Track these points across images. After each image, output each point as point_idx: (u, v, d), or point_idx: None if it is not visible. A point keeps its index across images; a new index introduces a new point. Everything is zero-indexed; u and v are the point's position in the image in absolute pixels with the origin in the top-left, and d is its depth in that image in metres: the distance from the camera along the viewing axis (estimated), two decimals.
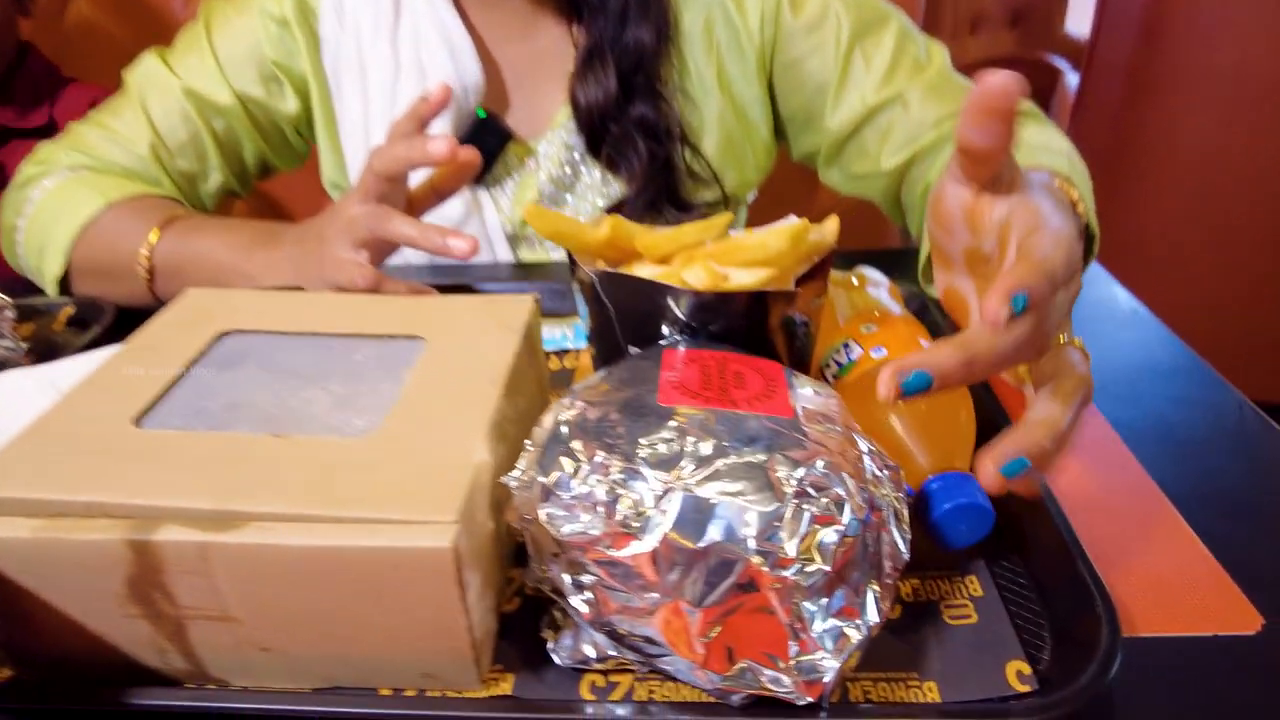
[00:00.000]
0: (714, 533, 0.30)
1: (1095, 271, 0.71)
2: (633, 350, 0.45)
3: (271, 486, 0.35)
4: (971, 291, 0.39)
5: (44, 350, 0.64)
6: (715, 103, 0.76)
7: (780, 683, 0.32)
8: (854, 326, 0.48)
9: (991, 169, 0.36)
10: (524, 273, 0.76)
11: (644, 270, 0.44)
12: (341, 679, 0.37)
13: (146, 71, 0.76)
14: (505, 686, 0.36)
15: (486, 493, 0.36)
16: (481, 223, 0.77)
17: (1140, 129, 1.50)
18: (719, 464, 0.32)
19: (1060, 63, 1.86)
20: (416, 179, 0.60)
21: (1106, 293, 0.68)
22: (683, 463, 0.32)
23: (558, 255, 0.79)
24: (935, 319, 0.58)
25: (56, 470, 0.36)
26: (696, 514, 0.31)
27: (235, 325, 0.47)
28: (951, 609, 0.39)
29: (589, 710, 0.34)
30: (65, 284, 0.71)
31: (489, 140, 0.75)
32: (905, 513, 0.36)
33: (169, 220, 0.69)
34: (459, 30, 0.74)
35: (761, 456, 0.32)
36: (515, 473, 0.36)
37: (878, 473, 0.35)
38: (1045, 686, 0.35)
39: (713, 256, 0.42)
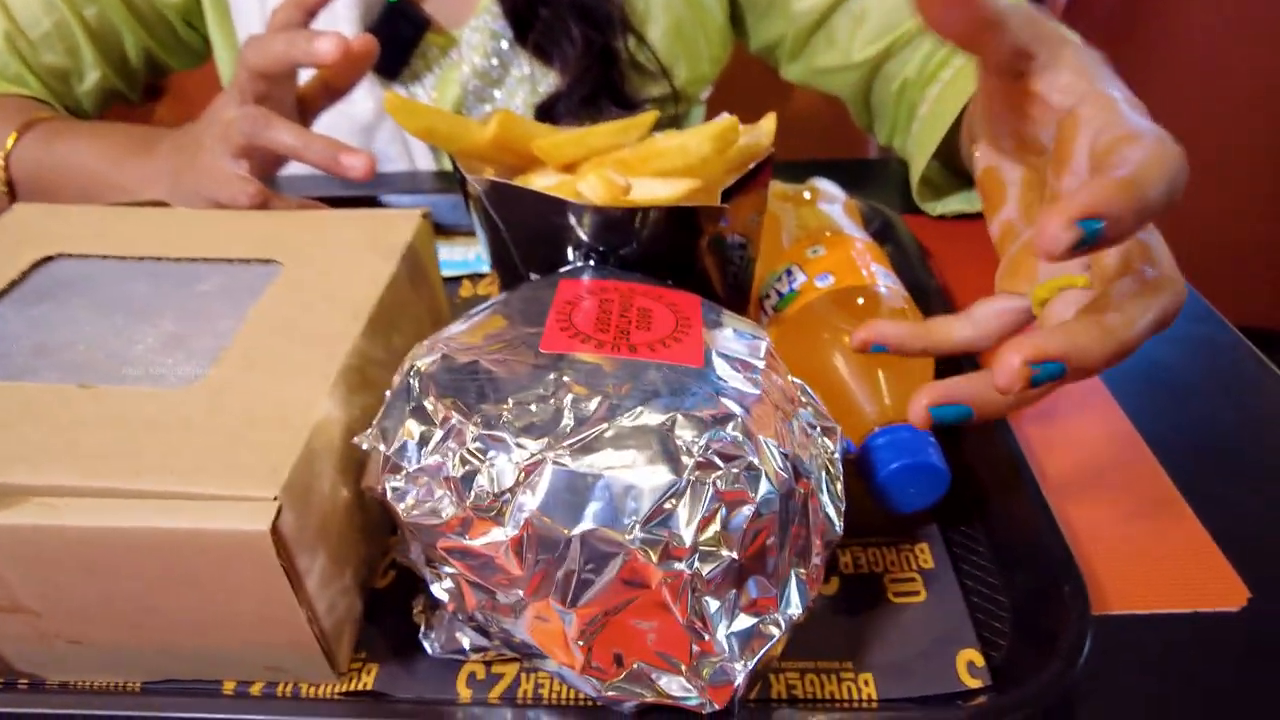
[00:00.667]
0: (591, 516, 0.24)
1: None
2: (534, 278, 0.38)
3: (62, 452, 0.28)
4: (1017, 180, 0.34)
5: None
6: None
7: (681, 687, 0.26)
8: (799, 249, 0.42)
9: (992, 50, 0.30)
10: (447, 184, 0.68)
11: (542, 180, 0.37)
12: (175, 672, 0.31)
13: None
14: (368, 680, 0.31)
15: (335, 455, 0.30)
16: (397, 124, 0.68)
17: (1136, 40, 1.40)
18: (605, 428, 0.25)
19: None
20: (307, 73, 0.52)
21: None
22: (560, 427, 0.25)
23: None
24: (901, 239, 0.51)
25: None
26: (570, 493, 0.24)
27: (63, 248, 0.39)
28: (896, 584, 0.33)
29: (461, 714, 0.29)
30: None
31: (403, 28, 0.65)
32: (840, 477, 0.30)
33: (30, 123, 0.59)
34: None
35: (659, 418, 0.26)
36: (370, 431, 0.29)
37: (809, 430, 0.29)
38: (1000, 680, 0.29)
39: (618, 164, 0.34)
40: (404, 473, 0.26)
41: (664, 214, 0.34)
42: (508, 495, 0.25)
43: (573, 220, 0.34)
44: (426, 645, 0.31)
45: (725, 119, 0.34)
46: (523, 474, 0.25)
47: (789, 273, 0.41)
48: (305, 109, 0.53)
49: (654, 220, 0.34)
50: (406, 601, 0.32)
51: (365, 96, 0.66)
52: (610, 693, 0.26)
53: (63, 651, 0.30)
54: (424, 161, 0.70)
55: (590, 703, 0.29)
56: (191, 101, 1.04)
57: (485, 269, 0.54)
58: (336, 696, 0.30)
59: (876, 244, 0.44)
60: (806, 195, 0.47)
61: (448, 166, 0.70)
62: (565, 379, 0.27)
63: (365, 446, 0.29)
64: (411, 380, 0.28)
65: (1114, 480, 0.39)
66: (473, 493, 0.25)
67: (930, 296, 0.45)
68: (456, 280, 0.53)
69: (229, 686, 0.31)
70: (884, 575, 0.34)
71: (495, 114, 0.36)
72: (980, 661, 0.30)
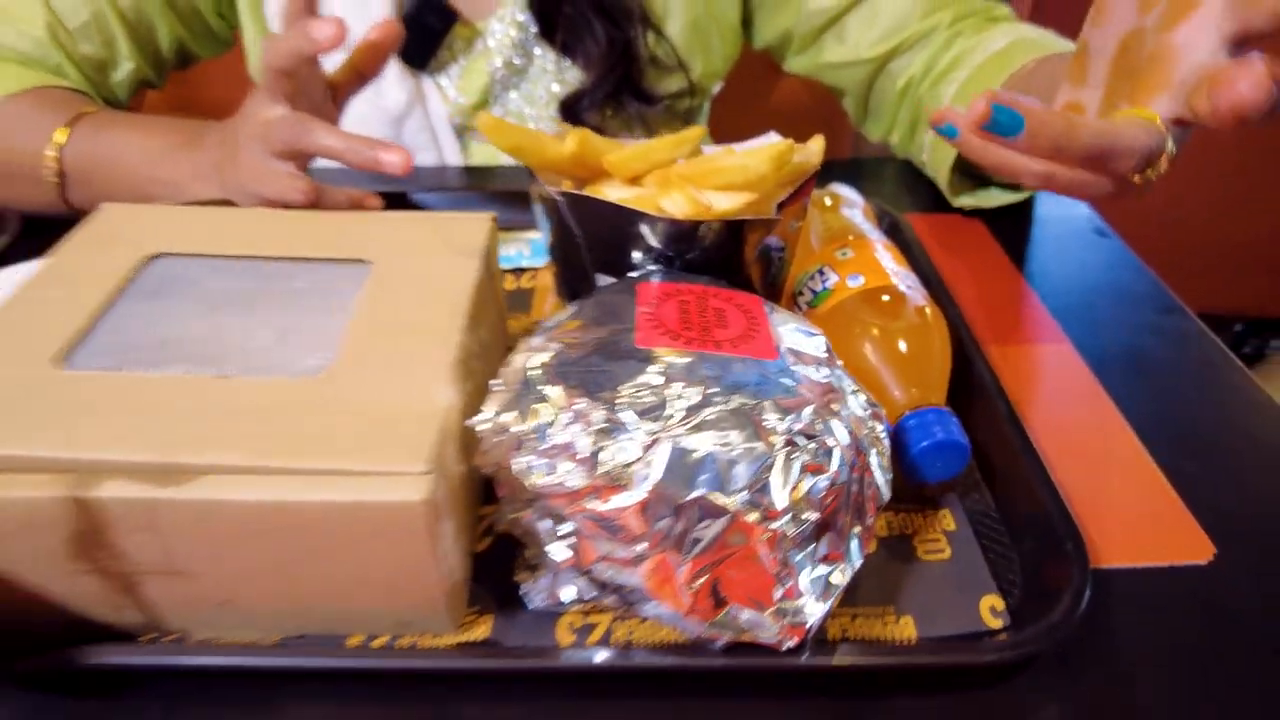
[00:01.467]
0: (703, 485, 0.29)
1: None
2: (600, 278, 0.42)
3: (221, 435, 0.32)
4: (1095, 102, 0.38)
5: None
6: None
7: (764, 626, 0.32)
8: (828, 251, 0.47)
9: None
10: (474, 178, 0.72)
11: (614, 191, 0.41)
12: (308, 628, 0.35)
13: None
14: (483, 630, 0.35)
15: (456, 437, 0.34)
16: (425, 114, 0.72)
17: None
18: (706, 413, 0.30)
19: None
20: (334, 61, 0.54)
21: (1071, 211, 0.67)
22: (668, 412, 0.30)
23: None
24: (906, 238, 0.57)
25: None
26: (685, 466, 0.29)
27: (162, 247, 0.43)
28: (925, 544, 0.39)
29: (570, 655, 0.34)
30: None
31: (432, 20, 0.68)
32: (887, 453, 0.35)
33: (77, 117, 0.61)
34: None
35: (749, 403, 0.31)
36: (483, 416, 0.34)
37: (861, 413, 0.35)
38: (1018, 621, 0.35)
39: (690, 180, 0.39)
40: (532, 448, 0.31)
41: (724, 224, 0.39)
42: (632, 468, 0.29)
43: (647, 230, 0.39)
44: (529, 600, 0.35)
45: (782, 142, 0.39)
46: (644, 450, 0.29)
47: (821, 272, 0.46)
48: (336, 95, 0.56)
49: (716, 230, 0.39)
50: (505, 563, 0.37)
51: (396, 88, 0.70)
52: (709, 631, 0.32)
53: (210, 612, 0.34)
54: (450, 151, 0.73)
55: (679, 642, 0.34)
56: (187, 85, 1.04)
57: (527, 264, 0.58)
58: (457, 646, 0.35)
59: (893, 244, 0.49)
60: (828, 201, 0.52)
61: (474, 159, 0.74)
62: (666, 372, 0.32)
63: (483, 430, 0.33)
64: (533, 371, 0.32)
65: (1101, 455, 0.45)
66: (603, 466, 0.30)
67: (934, 288, 0.51)
68: (501, 275, 0.57)
69: (354, 640, 0.35)
70: (914, 537, 0.39)
71: (574, 133, 0.40)
72: (1000, 605, 0.36)
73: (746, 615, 0.31)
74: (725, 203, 0.38)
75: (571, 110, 0.70)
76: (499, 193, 0.69)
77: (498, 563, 0.37)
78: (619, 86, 0.69)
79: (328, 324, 0.38)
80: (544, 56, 0.71)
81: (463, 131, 0.74)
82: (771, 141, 0.40)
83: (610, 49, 0.67)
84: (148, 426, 0.32)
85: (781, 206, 0.40)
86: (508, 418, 0.32)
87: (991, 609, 0.36)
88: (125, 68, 0.71)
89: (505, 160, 0.75)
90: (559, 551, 0.32)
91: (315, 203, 0.51)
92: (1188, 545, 0.40)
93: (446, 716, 0.33)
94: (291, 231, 0.45)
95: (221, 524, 0.31)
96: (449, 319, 0.38)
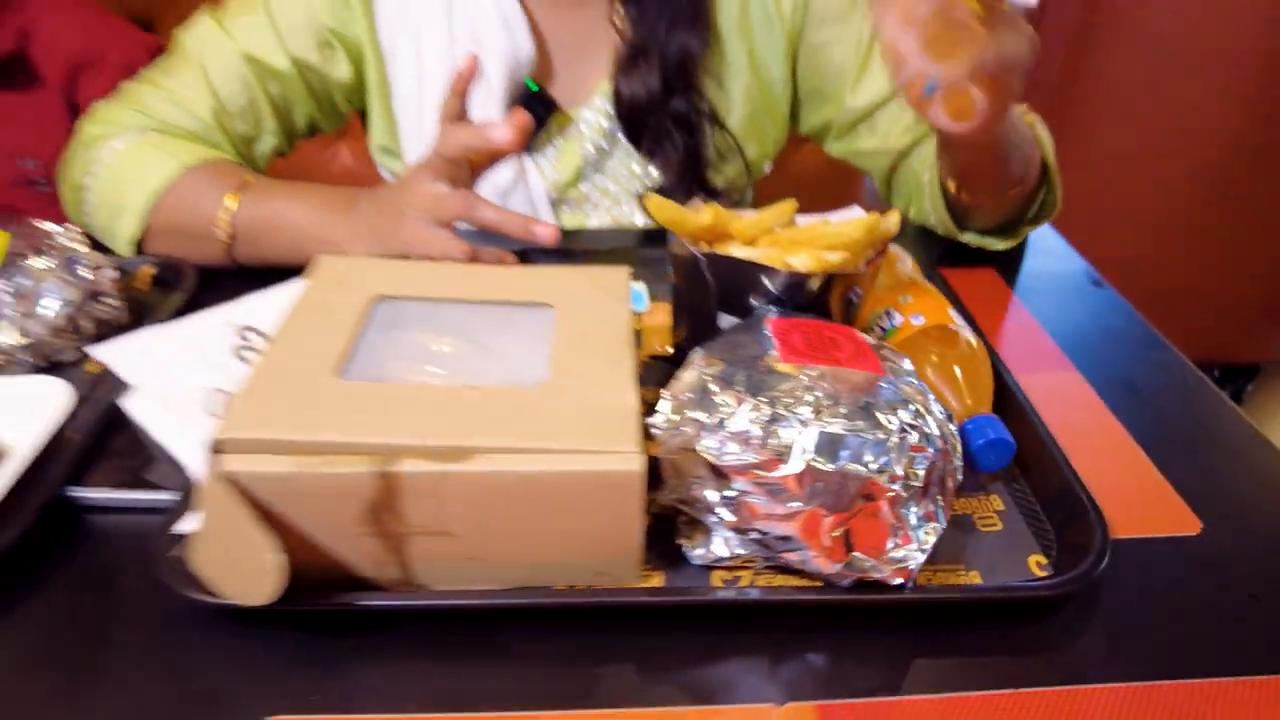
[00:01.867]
0: (844, 459, 0.41)
1: (1058, 246, 0.84)
2: (723, 315, 0.55)
3: (483, 424, 0.43)
4: None
5: (138, 310, 0.68)
6: (743, 81, 0.84)
7: (879, 569, 0.43)
8: (893, 297, 0.59)
9: None
10: (568, 239, 0.84)
11: (737, 251, 0.54)
12: (527, 580, 0.46)
13: (203, 34, 0.79)
14: (656, 580, 0.46)
15: (642, 431, 0.46)
16: (527, 188, 0.84)
17: (1083, 87, 1.56)
18: (840, 408, 0.42)
19: None
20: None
21: (1069, 266, 0.81)
22: (814, 406, 0.42)
23: (595, 220, 0.87)
24: (942, 287, 0.70)
25: (293, 416, 0.43)
26: (830, 445, 0.41)
27: (382, 290, 0.54)
28: (982, 520, 0.51)
29: (731, 593, 0.45)
30: (137, 244, 0.75)
31: (537, 110, 0.81)
32: (959, 443, 0.47)
33: (242, 185, 0.73)
34: (512, 3, 0.79)
35: (870, 401, 0.43)
36: (657, 418, 0.45)
37: (940, 415, 0.47)
38: (1057, 572, 0.47)
39: (801, 243, 0.52)
40: (716, 435, 0.43)
41: (825, 276, 0.52)
42: (792, 447, 0.41)
43: (768, 280, 0.51)
44: (690, 558, 0.47)
45: (871, 215, 0.52)
46: (798, 434, 0.41)
47: (888, 313, 0.58)
48: (473, 171, 0.70)
49: (820, 281, 0.52)
50: (666, 534, 0.48)
51: (504, 166, 0.82)
52: (841, 571, 0.43)
53: (457, 567, 0.45)
54: (545, 219, 0.86)
55: (808, 584, 0.45)
56: None
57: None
58: (648, 588, 0.46)
59: (937, 291, 0.62)
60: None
61: (566, 225, 0.87)
62: (807, 381, 0.44)
63: (660, 427, 0.45)
64: (709, 380, 0.44)
65: (1107, 454, 0.57)
66: (770, 446, 0.41)
67: (971, 326, 0.64)
68: None
69: (561, 588, 0.46)
70: (972, 515, 0.51)
71: (708, 208, 0.53)
72: (1044, 561, 0.48)
73: (867, 560, 0.43)
74: (827, 257, 0.51)
75: None
76: (589, 251, 0.82)
77: (661, 534, 0.49)
78: (692, 185, 0.82)
79: (536, 350, 0.50)
80: (626, 141, 0.84)
81: (557, 204, 0.86)
82: (858, 214, 0.53)
83: (687, 156, 0.81)
84: (424, 419, 0.43)
85: (868, 263, 0.53)
86: (692, 414, 0.44)
87: (1038, 564, 0.48)
88: (269, 142, 0.84)
89: (590, 226, 0.88)
90: (725, 514, 0.44)
91: (474, 259, 0.63)
92: (1179, 521, 0.52)
93: (630, 642, 0.44)
94: (476, 281, 0.57)
95: (490, 491, 0.42)
96: (619, 346, 0.50)
